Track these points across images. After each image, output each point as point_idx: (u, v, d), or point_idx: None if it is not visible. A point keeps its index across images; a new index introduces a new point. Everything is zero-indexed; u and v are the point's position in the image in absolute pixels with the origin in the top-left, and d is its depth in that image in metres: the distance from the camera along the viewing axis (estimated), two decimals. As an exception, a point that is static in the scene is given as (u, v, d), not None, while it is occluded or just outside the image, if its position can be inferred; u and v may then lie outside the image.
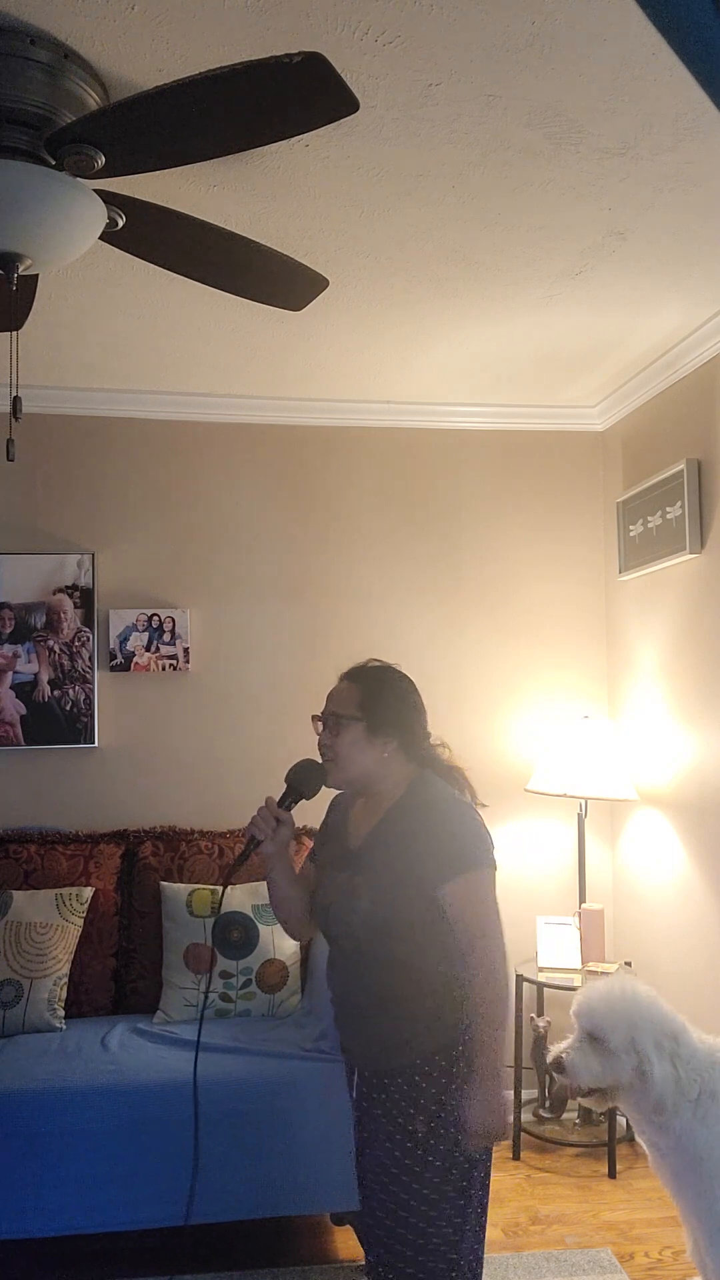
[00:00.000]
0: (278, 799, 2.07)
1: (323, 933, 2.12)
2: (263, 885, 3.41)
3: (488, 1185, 1.99)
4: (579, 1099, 2.27)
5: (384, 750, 2.02)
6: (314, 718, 2.09)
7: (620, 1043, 2.22)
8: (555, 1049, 2.33)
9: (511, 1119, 2.36)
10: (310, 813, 2.51)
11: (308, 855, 2.25)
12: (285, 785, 2.08)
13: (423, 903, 1.93)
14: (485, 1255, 2.01)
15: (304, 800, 2.08)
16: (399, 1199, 1.92)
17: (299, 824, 3.16)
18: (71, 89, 1.87)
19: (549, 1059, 2.18)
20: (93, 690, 3.75)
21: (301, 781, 2.07)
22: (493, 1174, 3.40)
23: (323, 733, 2.06)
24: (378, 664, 2.11)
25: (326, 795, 2.15)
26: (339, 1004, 2.09)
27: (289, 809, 2.06)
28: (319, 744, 2.07)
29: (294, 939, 2.21)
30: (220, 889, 3.35)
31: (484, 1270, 2.02)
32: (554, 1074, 2.17)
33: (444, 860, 1.92)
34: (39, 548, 3.78)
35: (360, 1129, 2.05)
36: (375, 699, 2.03)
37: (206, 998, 3.23)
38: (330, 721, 2.04)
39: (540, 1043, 3.72)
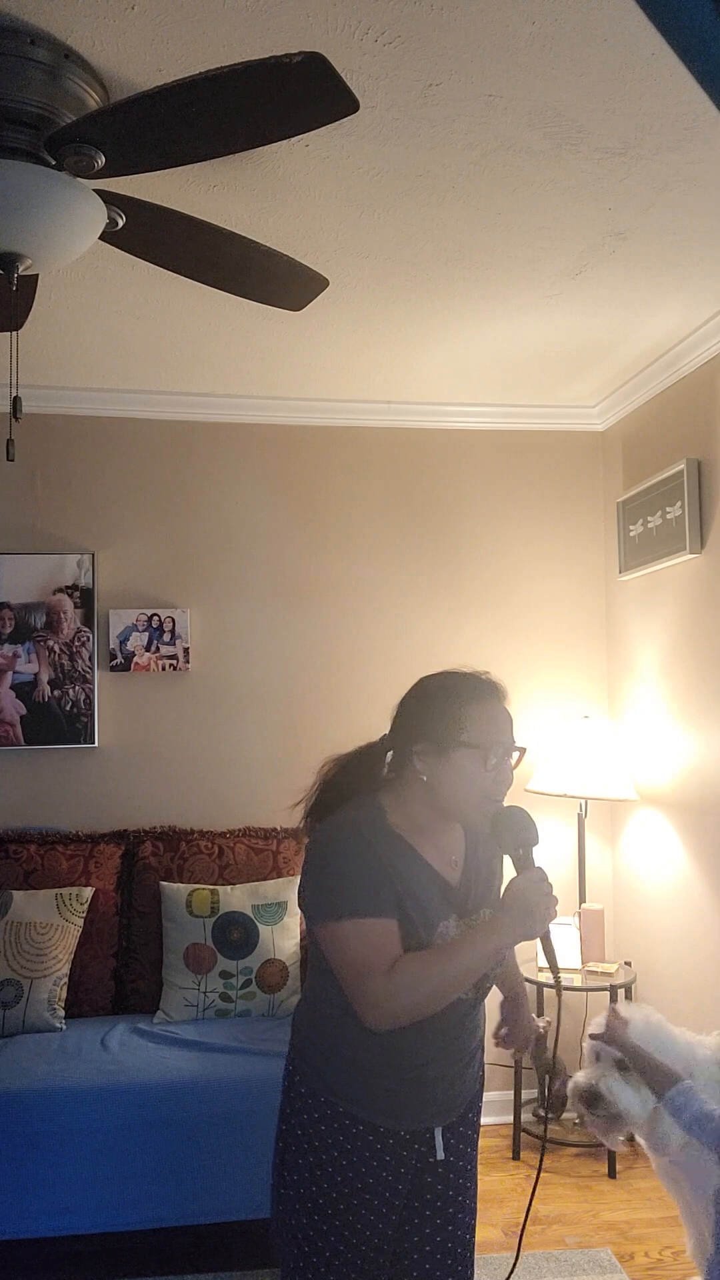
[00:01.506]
0: (522, 869, 1.66)
1: None
2: (264, 885, 3.42)
3: None
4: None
5: None
6: (519, 750, 1.78)
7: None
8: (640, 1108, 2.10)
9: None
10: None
11: (378, 915, 1.63)
12: (524, 847, 1.68)
13: None
14: (485, 1255, 2.01)
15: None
16: (466, 1220, 1.86)
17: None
18: (71, 89, 1.87)
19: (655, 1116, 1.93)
20: (93, 690, 3.75)
21: (534, 833, 1.71)
22: (492, 1174, 3.43)
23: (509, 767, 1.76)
24: None
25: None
26: (433, 1063, 1.74)
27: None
28: (503, 780, 1.73)
29: (389, 1026, 1.64)
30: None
31: (483, 1271, 2.01)
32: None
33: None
34: (39, 548, 3.78)
35: (426, 1197, 1.81)
36: None
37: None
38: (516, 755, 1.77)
39: (540, 1042, 3.71)
